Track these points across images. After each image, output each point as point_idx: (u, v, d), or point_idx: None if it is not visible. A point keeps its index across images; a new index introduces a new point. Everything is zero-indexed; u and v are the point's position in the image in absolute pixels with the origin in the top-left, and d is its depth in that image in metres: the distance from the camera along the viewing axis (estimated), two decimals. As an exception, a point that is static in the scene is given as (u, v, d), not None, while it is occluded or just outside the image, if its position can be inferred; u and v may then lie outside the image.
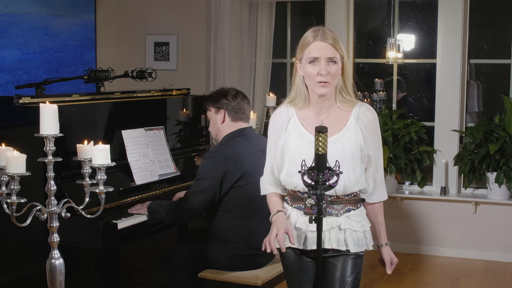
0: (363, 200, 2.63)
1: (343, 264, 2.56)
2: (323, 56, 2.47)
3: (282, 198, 2.68)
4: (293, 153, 2.53)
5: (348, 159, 2.50)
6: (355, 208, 2.58)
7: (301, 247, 2.56)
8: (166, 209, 3.49)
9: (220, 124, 3.55)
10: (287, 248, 2.57)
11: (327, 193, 2.42)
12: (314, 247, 2.50)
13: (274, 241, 2.46)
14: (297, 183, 2.50)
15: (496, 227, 5.48)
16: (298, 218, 2.56)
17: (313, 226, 2.45)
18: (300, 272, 2.63)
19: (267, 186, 2.71)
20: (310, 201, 2.44)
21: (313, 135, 2.35)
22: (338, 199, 2.54)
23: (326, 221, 2.50)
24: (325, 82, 2.47)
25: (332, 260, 2.57)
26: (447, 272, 5.21)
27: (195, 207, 3.40)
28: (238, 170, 3.39)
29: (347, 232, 2.54)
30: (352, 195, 2.57)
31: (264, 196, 2.73)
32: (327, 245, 2.52)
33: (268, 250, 2.47)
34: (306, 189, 2.42)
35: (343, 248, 2.53)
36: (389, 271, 2.70)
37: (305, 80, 2.54)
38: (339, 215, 2.54)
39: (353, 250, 2.54)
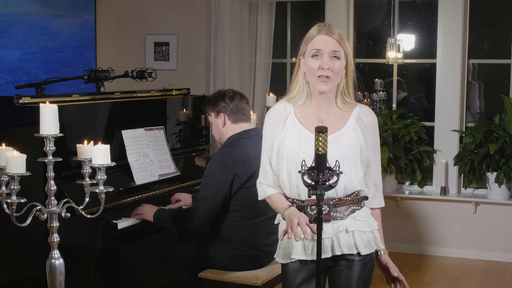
0: (366, 198, 2.51)
1: (349, 270, 2.46)
2: (326, 49, 2.39)
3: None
4: (291, 152, 2.42)
5: (349, 158, 2.42)
6: (360, 207, 2.49)
7: (309, 258, 2.44)
8: (175, 216, 3.47)
9: (222, 128, 3.53)
10: (294, 262, 2.46)
11: (328, 196, 2.35)
12: (325, 256, 2.42)
13: (304, 225, 2.26)
14: (298, 184, 2.39)
15: (496, 227, 5.48)
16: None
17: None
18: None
19: (267, 189, 2.52)
20: (313, 210, 2.35)
21: (312, 133, 2.27)
22: (340, 201, 2.43)
23: (332, 226, 2.41)
24: (326, 77, 2.39)
25: (337, 270, 2.48)
26: (447, 272, 5.20)
27: (205, 212, 3.37)
28: (246, 171, 3.36)
29: (355, 234, 2.44)
30: (354, 194, 2.47)
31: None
32: (337, 251, 2.43)
33: (302, 236, 2.28)
34: (306, 197, 2.32)
35: (354, 252, 2.43)
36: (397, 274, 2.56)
37: (307, 76, 2.44)
38: (344, 217, 2.43)
39: (364, 252, 2.44)
